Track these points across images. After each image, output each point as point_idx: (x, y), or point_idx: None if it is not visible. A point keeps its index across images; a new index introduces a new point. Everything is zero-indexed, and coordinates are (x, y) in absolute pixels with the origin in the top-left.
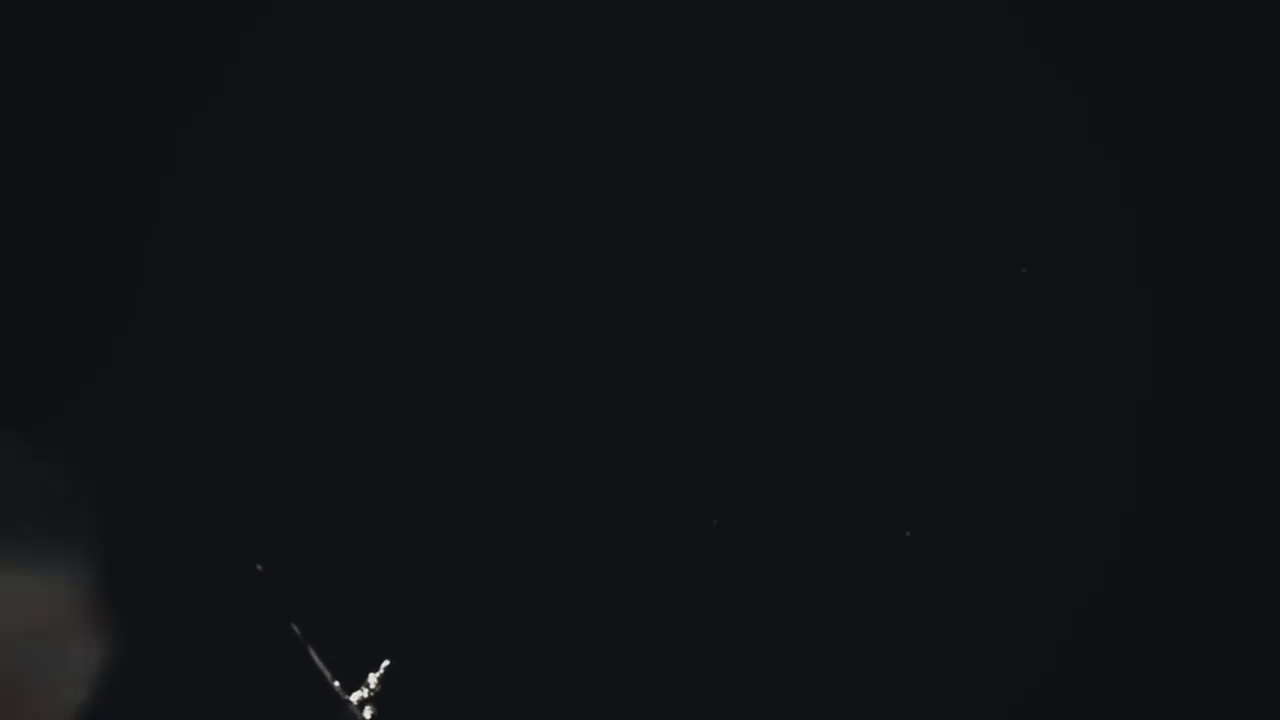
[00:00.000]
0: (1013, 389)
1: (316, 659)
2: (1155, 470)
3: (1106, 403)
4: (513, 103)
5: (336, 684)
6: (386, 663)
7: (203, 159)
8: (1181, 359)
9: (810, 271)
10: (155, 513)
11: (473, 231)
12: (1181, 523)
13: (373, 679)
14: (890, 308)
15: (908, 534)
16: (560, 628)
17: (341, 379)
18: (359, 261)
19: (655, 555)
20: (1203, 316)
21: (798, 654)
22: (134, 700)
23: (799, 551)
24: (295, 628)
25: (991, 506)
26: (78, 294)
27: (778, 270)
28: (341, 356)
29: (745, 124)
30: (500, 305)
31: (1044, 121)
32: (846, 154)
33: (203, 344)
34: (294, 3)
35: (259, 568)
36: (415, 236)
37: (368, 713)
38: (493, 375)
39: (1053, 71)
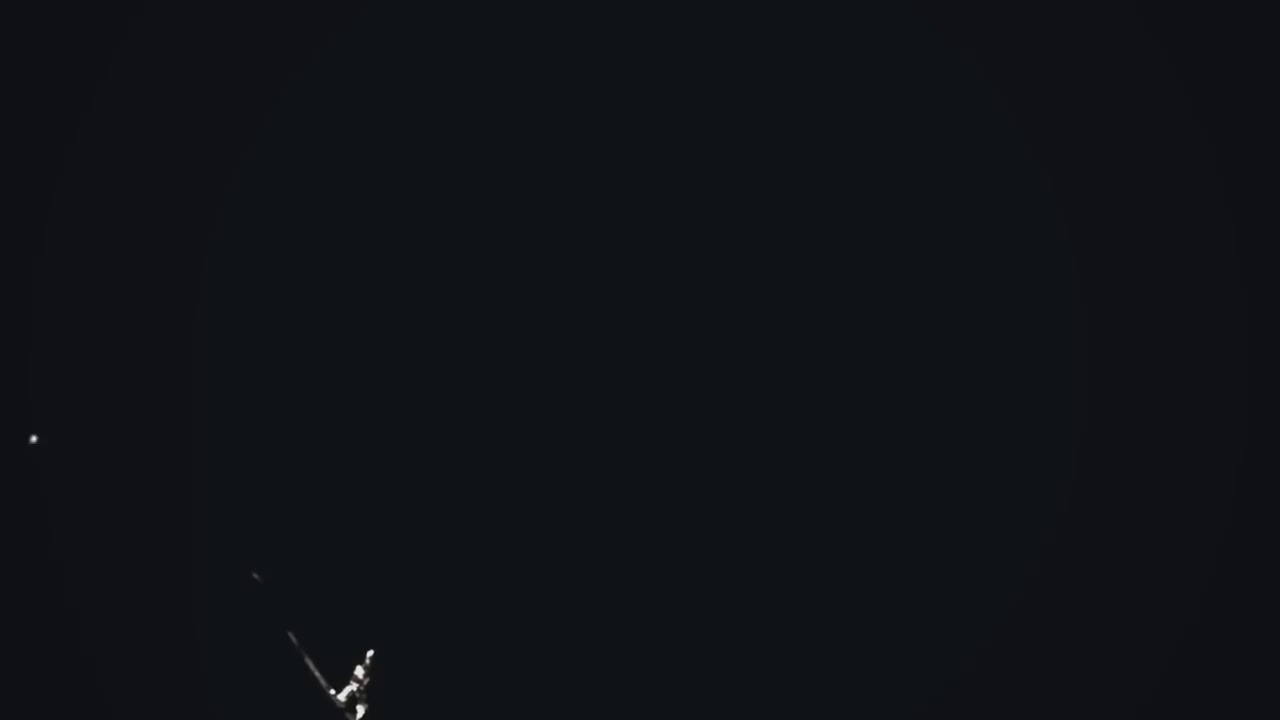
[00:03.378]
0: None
1: (311, 665)
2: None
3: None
4: (512, 105)
5: (332, 691)
6: (371, 652)
7: (209, 161)
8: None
9: (801, 272)
10: (157, 513)
11: (470, 234)
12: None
13: (360, 671)
14: (879, 308)
15: None
16: (557, 627)
17: (334, 382)
18: (356, 264)
19: (652, 555)
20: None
21: (791, 652)
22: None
23: (790, 550)
24: (291, 635)
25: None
26: (81, 294)
27: (766, 272)
28: (333, 361)
29: (740, 126)
30: (497, 308)
31: (1032, 122)
32: (835, 156)
33: (202, 345)
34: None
35: (256, 576)
36: (415, 239)
37: (360, 710)
38: (488, 377)
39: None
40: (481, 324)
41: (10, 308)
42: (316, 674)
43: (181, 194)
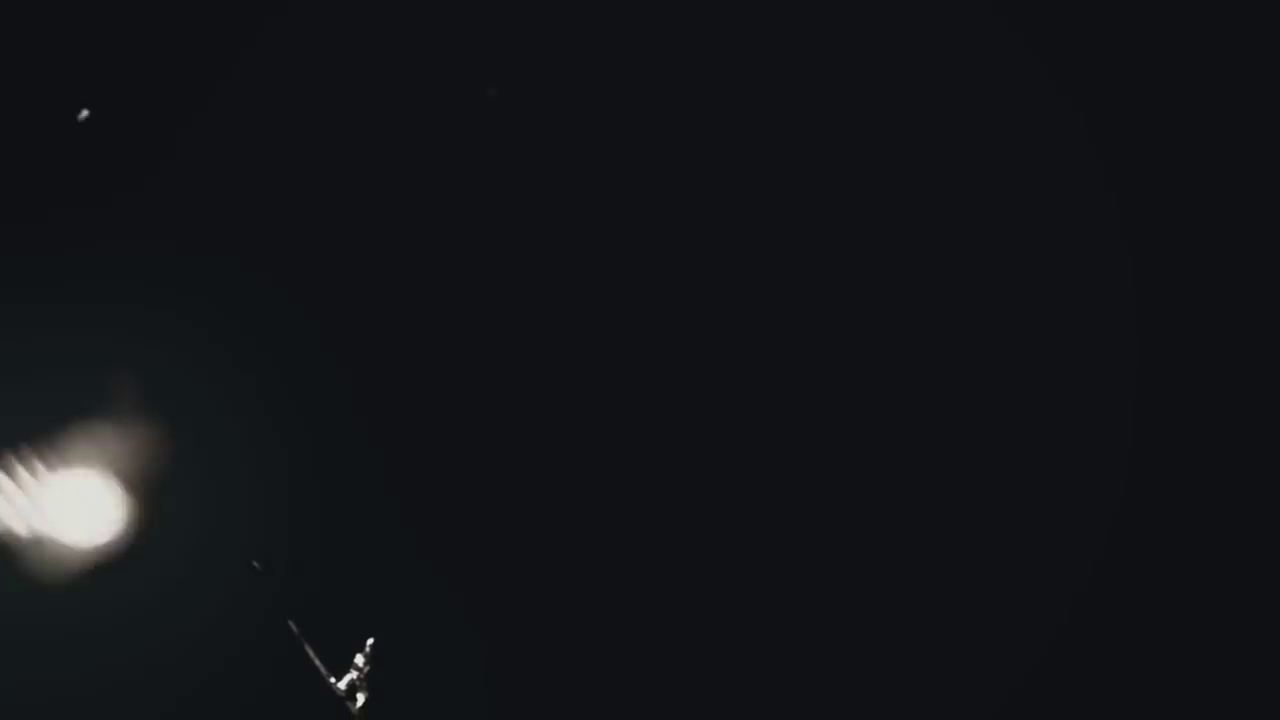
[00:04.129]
0: (1003, 389)
1: (312, 654)
2: (1144, 471)
3: (1096, 404)
4: (512, 104)
5: (332, 679)
6: (371, 640)
7: (207, 160)
8: (1171, 360)
9: (802, 273)
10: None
11: (468, 233)
12: (1171, 523)
13: (360, 660)
14: (883, 309)
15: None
16: (555, 624)
17: (335, 372)
18: (354, 261)
19: (650, 555)
20: (1191, 318)
21: (790, 653)
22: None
23: (789, 551)
24: (292, 624)
25: (984, 505)
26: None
27: (773, 272)
28: (335, 355)
29: (742, 127)
30: (496, 307)
31: (1033, 122)
32: (838, 156)
33: (203, 337)
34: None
35: (256, 565)
36: (416, 238)
37: (360, 698)
38: (488, 372)
39: (1044, 72)
40: (481, 322)
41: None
42: (317, 662)
43: (164, 189)
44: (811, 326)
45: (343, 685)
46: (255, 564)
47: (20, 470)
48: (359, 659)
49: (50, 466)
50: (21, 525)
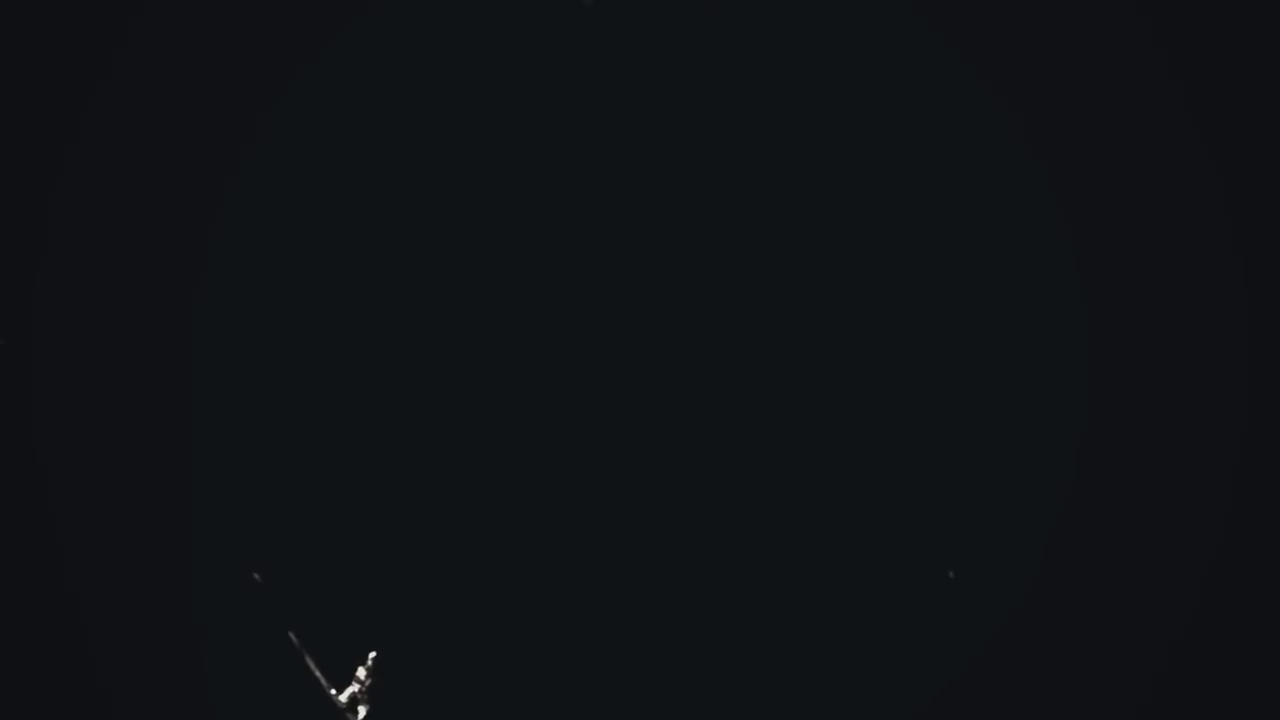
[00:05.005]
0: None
1: (312, 664)
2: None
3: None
4: (515, 106)
5: (332, 690)
6: (374, 654)
7: (209, 161)
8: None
9: (800, 274)
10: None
11: (472, 235)
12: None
13: (362, 673)
14: (879, 309)
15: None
16: (558, 628)
17: (335, 380)
18: (357, 265)
19: (651, 556)
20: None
21: (791, 653)
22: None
23: (790, 551)
24: (293, 635)
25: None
26: (82, 293)
27: (764, 273)
28: (335, 359)
29: (735, 127)
30: (498, 309)
31: (1034, 121)
32: (834, 157)
33: (203, 345)
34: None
35: (256, 576)
36: (416, 240)
37: (361, 711)
38: (489, 377)
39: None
40: (483, 325)
41: (11, 307)
42: (318, 674)
43: (181, 194)
44: (811, 328)
45: (344, 698)
46: (255, 575)
47: None
48: (361, 672)
49: None
50: None
